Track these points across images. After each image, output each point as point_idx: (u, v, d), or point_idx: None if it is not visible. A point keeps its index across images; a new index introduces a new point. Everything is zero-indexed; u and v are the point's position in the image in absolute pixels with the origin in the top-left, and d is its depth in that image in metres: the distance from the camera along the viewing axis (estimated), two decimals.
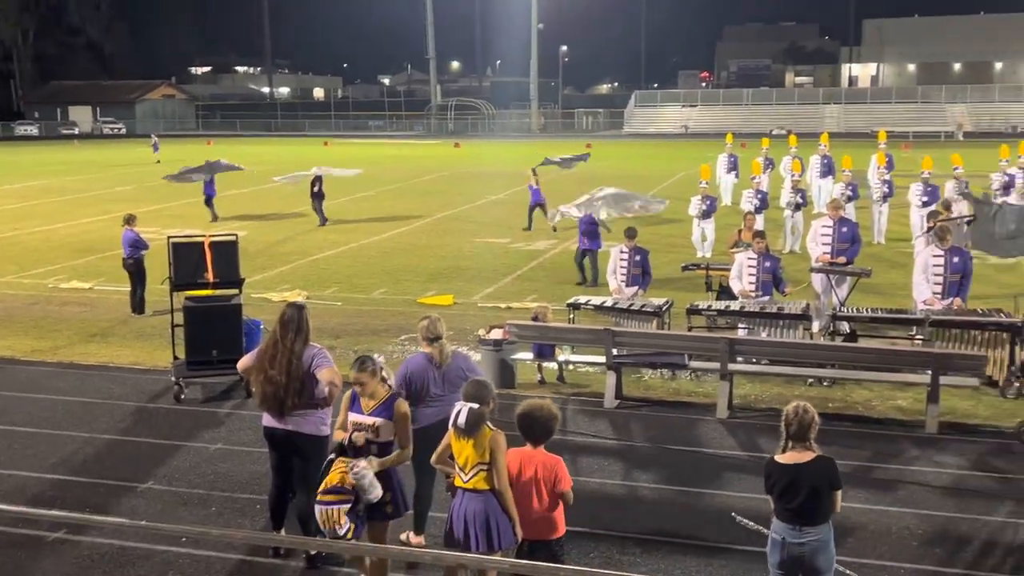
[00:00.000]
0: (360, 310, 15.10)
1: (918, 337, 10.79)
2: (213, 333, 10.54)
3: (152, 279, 14.62)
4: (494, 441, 5.66)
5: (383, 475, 6.00)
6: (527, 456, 5.72)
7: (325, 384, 6.53)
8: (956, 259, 11.13)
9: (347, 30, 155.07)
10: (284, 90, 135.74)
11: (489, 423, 5.74)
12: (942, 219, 13.79)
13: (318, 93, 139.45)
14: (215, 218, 25.55)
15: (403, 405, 6.18)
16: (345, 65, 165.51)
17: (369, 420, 6.11)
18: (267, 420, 6.82)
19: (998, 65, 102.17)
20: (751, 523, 6.02)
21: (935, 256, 11.19)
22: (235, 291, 10.97)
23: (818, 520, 5.42)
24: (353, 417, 6.17)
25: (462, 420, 5.66)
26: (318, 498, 5.93)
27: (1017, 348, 10.23)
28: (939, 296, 11.06)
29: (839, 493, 5.48)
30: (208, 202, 26.11)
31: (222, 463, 8.82)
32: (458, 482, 5.76)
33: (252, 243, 21.34)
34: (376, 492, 5.90)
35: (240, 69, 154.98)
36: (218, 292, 10.95)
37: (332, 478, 5.91)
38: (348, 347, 12.74)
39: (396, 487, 6.14)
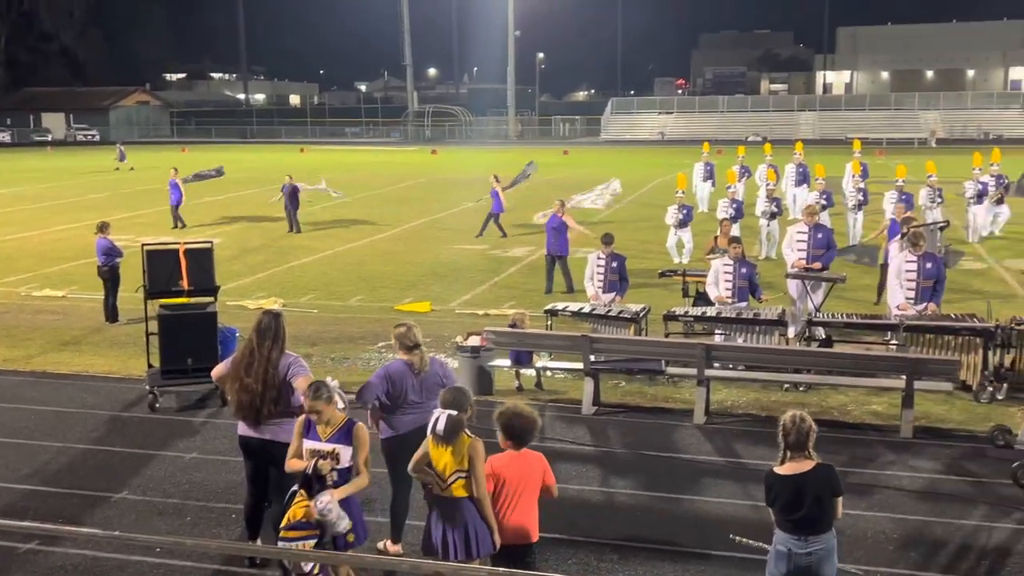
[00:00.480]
0: (337, 317, 15.05)
1: (892, 342, 10.87)
2: (188, 341, 10.45)
3: (126, 287, 14.51)
4: (472, 448, 5.65)
5: (343, 503, 5.86)
6: (516, 458, 5.71)
7: (301, 392, 6.48)
8: (929, 265, 11.23)
9: (323, 37, 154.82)
10: (260, 97, 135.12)
11: (467, 430, 5.73)
12: (916, 225, 13.92)
13: (294, 100, 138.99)
14: (182, 225, 25.18)
15: (363, 430, 6.01)
16: (321, 72, 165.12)
17: (328, 447, 5.93)
18: (242, 429, 6.77)
19: (970, 72, 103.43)
20: (751, 541, 5.99)
21: (908, 262, 11.29)
22: (210, 299, 10.89)
23: (823, 529, 5.39)
24: (310, 444, 5.99)
25: (440, 427, 5.64)
26: (281, 534, 5.78)
27: (990, 353, 10.34)
28: (912, 301, 11.16)
29: (840, 499, 5.47)
30: (175, 210, 25.71)
31: (197, 472, 8.75)
32: (436, 490, 5.74)
33: (227, 250, 21.24)
34: (345, 523, 5.76)
35: (215, 76, 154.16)
36: (193, 300, 10.86)
37: (295, 512, 5.75)
38: (325, 355, 12.69)
39: (356, 515, 6.01)
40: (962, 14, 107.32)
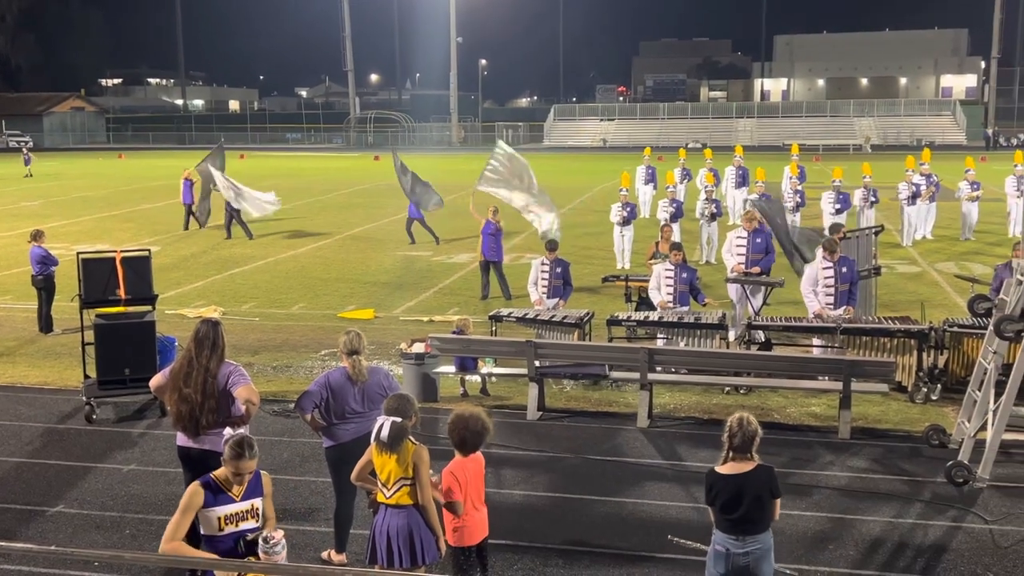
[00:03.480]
0: (279, 325, 14.88)
1: (830, 345, 11.08)
2: (125, 351, 10.26)
3: (62, 296, 14.20)
4: (417, 455, 5.63)
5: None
6: (470, 460, 5.72)
7: (242, 402, 6.40)
8: (845, 269, 11.48)
9: (263, 42, 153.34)
10: (198, 102, 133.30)
11: (412, 437, 5.71)
12: (851, 231, 14.22)
13: (234, 105, 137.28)
14: (200, 225, 25.00)
15: (268, 478, 5.51)
16: (262, 77, 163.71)
17: (246, 505, 5.34)
18: (181, 439, 6.66)
19: (902, 80, 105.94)
20: (688, 542, 6.06)
21: (825, 268, 11.50)
22: (148, 308, 10.71)
23: (760, 529, 5.46)
24: (224, 511, 5.27)
25: (384, 434, 5.61)
26: None
27: (924, 354, 10.59)
28: (831, 306, 11.37)
29: (779, 501, 5.56)
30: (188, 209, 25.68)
31: (136, 484, 8.59)
32: (380, 498, 5.71)
33: (166, 258, 20.90)
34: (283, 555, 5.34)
35: (153, 81, 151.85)
36: (130, 309, 10.67)
37: None
38: (267, 363, 12.54)
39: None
40: (895, 24, 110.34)
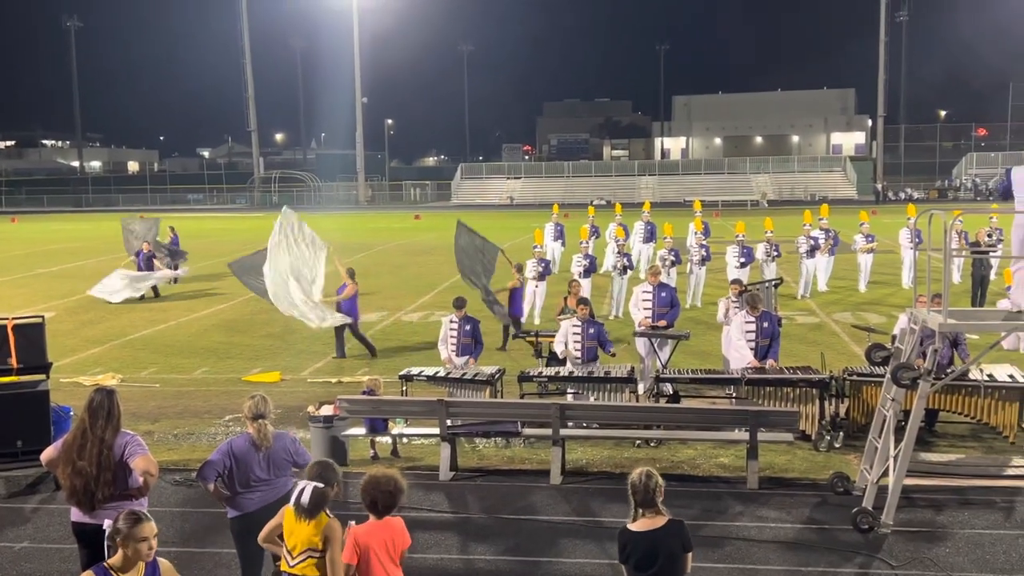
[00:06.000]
0: (180, 391, 14.44)
1: (735, 396, 11.26)
2: (17, 422, 9.81)
3: None
4: (329, 528, 5.47)
5: None
6: (379, 526, 5.54)
7: (140, 473, 6.13)
8: (766, 324, 11.76)
9: (163, 102, 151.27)
10: (96, 164, 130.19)
11: (327, 510, 5.54)
12: (751, 284, 14.58)
13: (133, 167, 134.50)
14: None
15: (168, 566, 5.20)
16: (162, 138, 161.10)
17: None
18: (76, 515, 6.34)
19: (795, 138, 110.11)
20: None
21: (747, 322, 11.78)
22: (42, 376, 10.28)
23: None
24: None
25: (305, 499, 5.44)
26: None
27: (826, 403, 10.85)
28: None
29: (690, 555, 5.57)
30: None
31: (28, 563, 8.15)
32: (284, 566, 5.52)
33: (62, 323, 20.17)
34: None
35: (48, 143, 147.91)
36: (23, 378, 10.22)
37: None
38: (168, 431, 12.13)
39: None
40: (786, 84, 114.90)
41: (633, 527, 5.53)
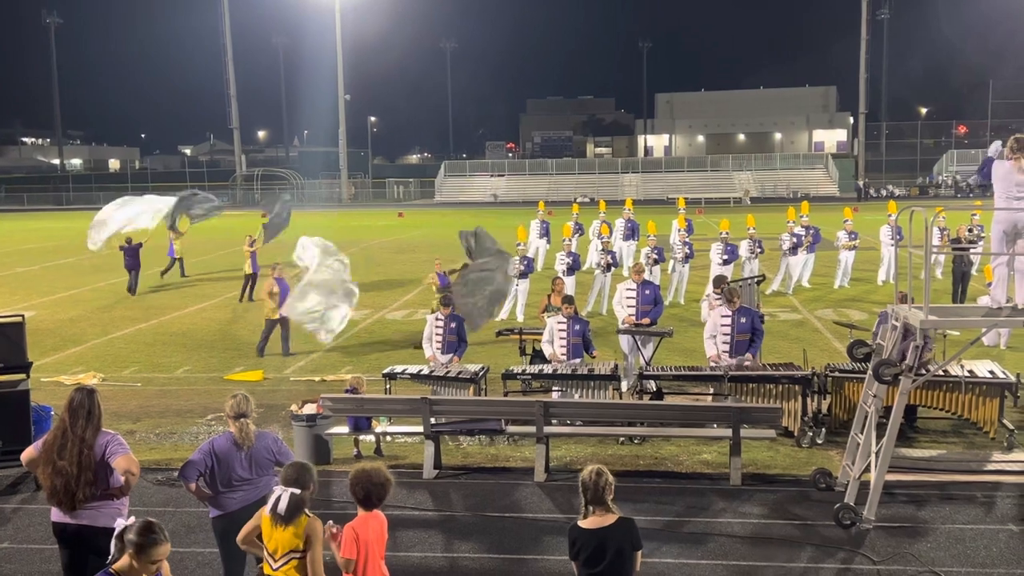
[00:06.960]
0: (162, 390, 14.36)
1: (718, 393, 11.30)
2: None
3: None
4: (311, 528, 5.44)
5: None
6: (371, 519, 5.54)
7: (121, 473, 6.09)
8: (743, 319, 11.78)
9: (145, 99, 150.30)
10: (76, 162, 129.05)
11: (307, 510, 5.51)
12: (733, 281, 14.63)
13: (114, 164, 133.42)
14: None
15: (166, 568, 5.06)
16: (143, 136, 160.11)
17: None
18: (56, 515, 6.29)
19: (777, 135, 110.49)
20: None
21: (723, 317, 11.81)
22: (22, 376, 10.20)
23: None
24: None
25: (282, 507, 5.40)
26: None
27: (808, 399, 10.90)
28: (728, 354, 11.64)
29: (640, 553, 5.60)
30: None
31: (8, 564, 8.08)
32: (267, 569, 5.49)
33: (42, 322, 20.02)
34: None
35: (27, 140, 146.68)
36: (3, 377, 10.14)
37: None
38: (150, 430, 12.06)
39: None
40: (768, 82, 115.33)
41: (583, 524, 5.57)
